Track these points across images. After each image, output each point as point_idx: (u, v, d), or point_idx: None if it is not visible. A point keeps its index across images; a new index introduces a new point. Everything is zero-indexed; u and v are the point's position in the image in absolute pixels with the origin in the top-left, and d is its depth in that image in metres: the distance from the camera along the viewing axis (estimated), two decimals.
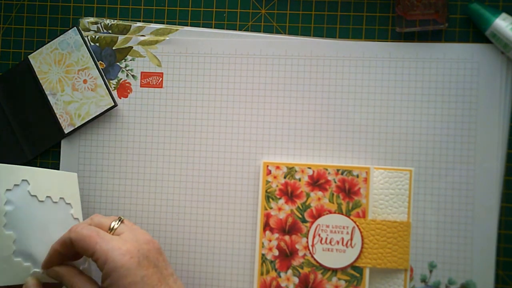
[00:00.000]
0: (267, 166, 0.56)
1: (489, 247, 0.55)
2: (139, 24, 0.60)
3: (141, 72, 0.60)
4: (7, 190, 0.47)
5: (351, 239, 0.54)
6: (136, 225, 0.51)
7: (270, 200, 0.56)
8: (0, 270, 0.46)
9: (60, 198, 0.52)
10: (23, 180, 0.49)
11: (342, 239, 0.54)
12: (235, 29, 0.59)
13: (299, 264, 0.55)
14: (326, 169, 0.55)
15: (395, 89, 0.57)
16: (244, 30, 0.59)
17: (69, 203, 0.53)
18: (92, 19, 0.61)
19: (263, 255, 0.56)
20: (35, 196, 0.49)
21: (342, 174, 0.55)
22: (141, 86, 0.60)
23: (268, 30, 0.59)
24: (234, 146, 0.58)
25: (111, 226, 0.48)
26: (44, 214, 0.50)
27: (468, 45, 0.56)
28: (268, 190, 0.56)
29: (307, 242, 0.55)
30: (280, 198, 0.56)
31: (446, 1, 0.54)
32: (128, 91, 0.60)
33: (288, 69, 0.58)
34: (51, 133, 0.60)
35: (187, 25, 0.60)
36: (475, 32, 0.56)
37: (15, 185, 0.48)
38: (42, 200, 0.50)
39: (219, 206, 0.58)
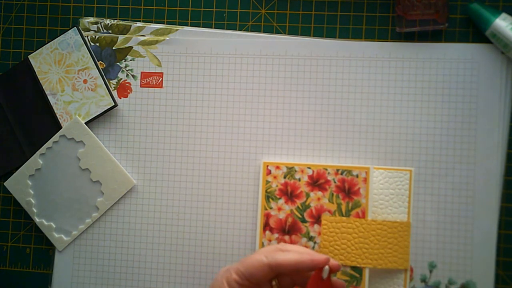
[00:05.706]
0: (267, 166, 0.56)
1: (489, 247, 0.55)
2: (139, 24, 0.60)
3: (141, 72, 0.60)
4: None
5: None
6: None
7: (270, 200, 0.56)
8: None
9: None
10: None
11: None
12: (235, 29, 0.59)
13: None
14: (326, 169, 0.55)
15: (395, 89, 0.56)
16: (244, 30, 0.59)
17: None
18: (92, 19, 0.61)
19: None
20: None
21: (341, 174, 0.55)
22: (141, 86, 0.60)
23: (268, 30, 0.59)
24: (234, 146, 0.58)
25: None
26: None
27: (468, 45, 0.56)
28: (268, 190, 0.56)
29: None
30: (280, 198, 0.56)
31: (446, 1, 0.54)
32: (128, 91, 0.60)
33: (288, 69, 0.58)
34: (51, 133, 0.60)
35: (187, 25, 0.60)
36: (475, 32, 0.56)
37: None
38: None
39: (219, 206, 0.58)
